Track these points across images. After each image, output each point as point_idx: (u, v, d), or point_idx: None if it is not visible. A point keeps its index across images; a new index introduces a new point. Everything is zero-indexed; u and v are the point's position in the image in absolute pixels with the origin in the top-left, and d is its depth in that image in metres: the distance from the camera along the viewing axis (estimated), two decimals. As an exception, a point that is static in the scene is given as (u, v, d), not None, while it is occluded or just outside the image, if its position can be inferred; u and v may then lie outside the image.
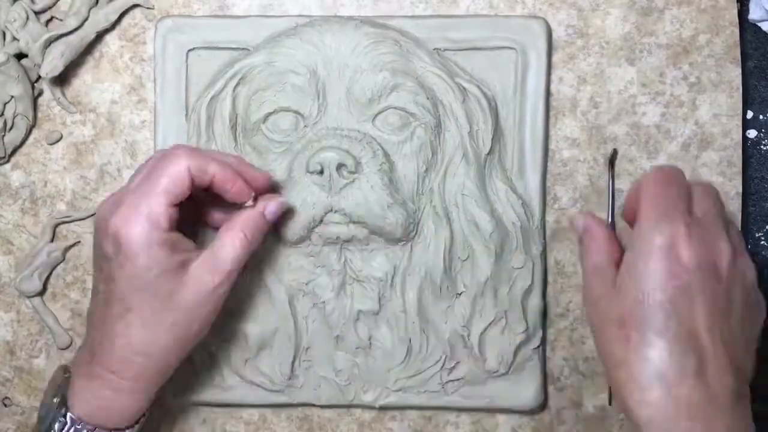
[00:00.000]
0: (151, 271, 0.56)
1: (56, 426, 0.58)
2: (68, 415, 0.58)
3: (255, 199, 0.59)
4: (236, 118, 0.65)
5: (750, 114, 0.69)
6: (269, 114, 0.63)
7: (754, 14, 0.67)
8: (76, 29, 0.66)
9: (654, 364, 0.51)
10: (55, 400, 0.59)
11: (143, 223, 0.55)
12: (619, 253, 0.55)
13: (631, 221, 0.55)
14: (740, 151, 0.67)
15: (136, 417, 0.60)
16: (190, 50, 0.66)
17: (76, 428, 0.58)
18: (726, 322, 0.52)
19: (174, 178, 0.56)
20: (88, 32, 0.66)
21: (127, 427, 0.60)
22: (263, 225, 0.59)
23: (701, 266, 0.51)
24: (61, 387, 0.59)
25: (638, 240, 0.53)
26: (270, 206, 0.59)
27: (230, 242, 0.58)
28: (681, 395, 0.50)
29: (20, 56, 0.67)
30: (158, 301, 0.56)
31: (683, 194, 0.54)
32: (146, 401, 0.60)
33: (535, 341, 0.66)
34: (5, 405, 0.70)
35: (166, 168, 0.56)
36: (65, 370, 0.61)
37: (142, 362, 0.57)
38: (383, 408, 0.68)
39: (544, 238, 0.66)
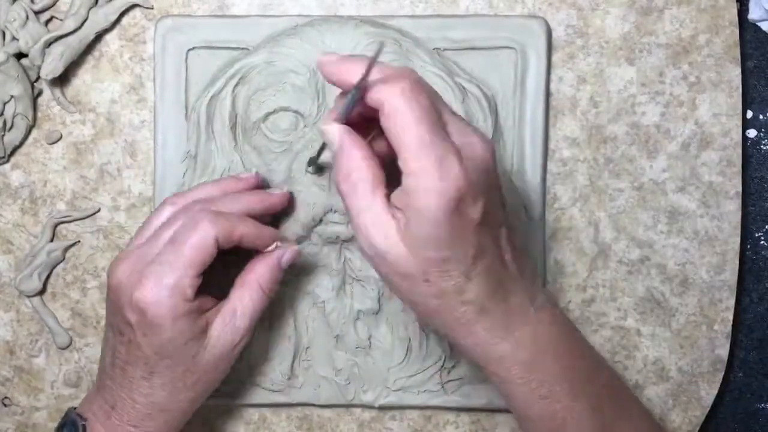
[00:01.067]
0: (176, 341, 0.56)
1: None
2: None
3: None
4: (236, 117, 0.65)
5: (750, 113, 0.69)
6: (269, 114, 0.63)
7: (753, 14, 0.67)
8: (75, 30, 0.66)
9: (478, 302, 0.51)
10: None
11: (170, 297, 0.55)
12: (381, 172, 0.50)
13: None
14: (740, 150, 0.67)
15: None
16: (189, 50, 0.66)
17: None
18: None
19: (201, 249, 0.55)
20: (87, 33, 0.66)
21: None
22: (278, 275, 0.59)
23: (485, 198, 0.49)
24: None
25: (416, 204, 0.48)
26: (286, 256, 0.59)
27: (249, 297, 0.58)
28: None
29: (20, 56, 0.67)
30: (182, 366, 0.57)
31: (436, 120, 0.48)
32: None
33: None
34: (5, 405, 0.70)
35: (191, 238, 0.55)
36: (80, 417, 0.59)
37: (164, 417, 0.58)
38: (383, 408, 0.68)
39: (544, 238, 0.66)
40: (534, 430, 0.55)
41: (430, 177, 0.47)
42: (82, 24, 0.66)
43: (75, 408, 0.60)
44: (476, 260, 0.50)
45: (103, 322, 0.69)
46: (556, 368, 0.53)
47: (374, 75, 0.49)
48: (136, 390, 0.57)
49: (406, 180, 0.48)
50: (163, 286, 0.55)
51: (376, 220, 0.49)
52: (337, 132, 0.50)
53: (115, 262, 0.58)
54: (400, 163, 0.48)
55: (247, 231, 0.57)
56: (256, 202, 0.59)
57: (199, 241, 0.55)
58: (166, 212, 0.59)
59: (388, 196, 0.50)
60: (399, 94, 0.48)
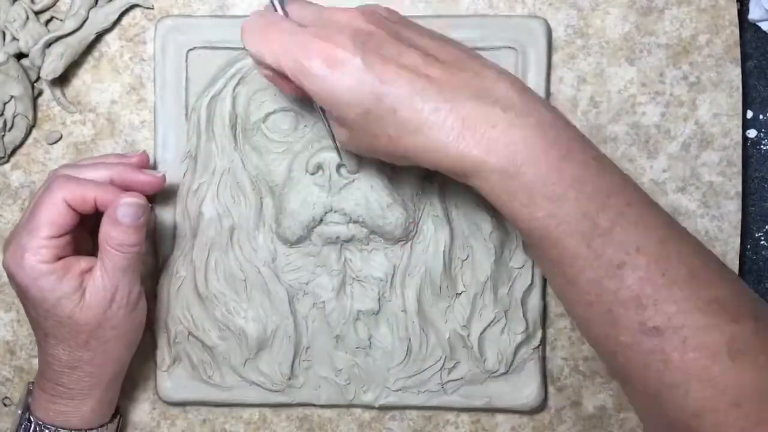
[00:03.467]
0: (46, 301, 0.59)
1: (22, 428, 0.63)
2: (32, 418, 0.62)
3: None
4: (236, 117, 0.65)
5: (750, 114, 0.69)
6: (269, 114, 0.63)
7: (753, 14, 0.67)
8: (75, 30, 0.66)
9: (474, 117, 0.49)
10: (20, 408, 0.64)
11: (27, 257, 0.58)
12: None
13: None
14: (740, 150, 0.67)
15: (98, 421, 0.64)
16: (190, 50, 0.66)
17: (40, 428, 0.62)
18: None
19: (50, 209, 0.58)
20: (87, 33, 0.66)
21: (90, 429, 0.63)
22: (122, 230, 0.59)
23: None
24: (25, 397, 0.65)
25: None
26: (119, 210, 0.59)
27: (105, 256, 0.59)
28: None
29: (20, 56, 0.67)
30: (65, 325, 0.59)
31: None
32: (103, 407, 0.64)
33: (535, 341, 0.66)
34: (5, 405, 0.70)
35: (43, 202, 0.59)
36: (31, 383, 0.65)
37: (79, 375, 0.61)
38: (383, 408, 0.68)
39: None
40: (537, 258, 0.52)
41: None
42: (82, 24, 0.66)
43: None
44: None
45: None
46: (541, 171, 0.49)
47: None
48: (44, 350, 0.61)
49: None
50: (19, 249, 0.58)
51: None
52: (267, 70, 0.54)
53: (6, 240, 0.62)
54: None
55: (102, 195, 0.59)
56: (118, 171, 0.61)
57: (48, 202, 0.58)
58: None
59: None
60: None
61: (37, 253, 0.58)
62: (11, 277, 0.60)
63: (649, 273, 0.48)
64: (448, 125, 0.49)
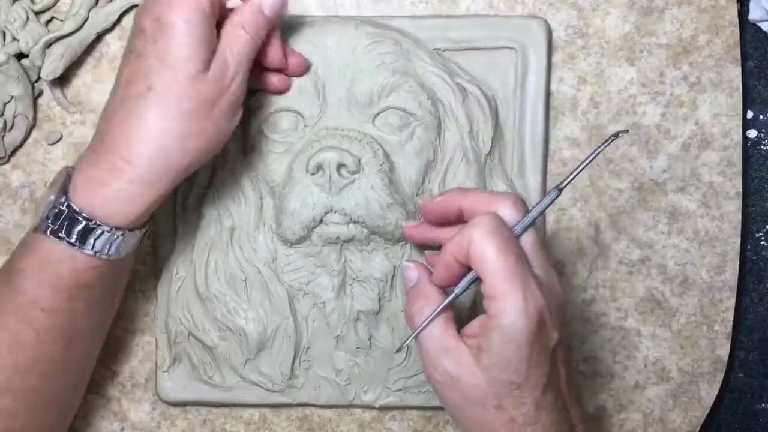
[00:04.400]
0: (181, 51, 0.54)
1: (51, 214, 0.55)
2: (67, 203, 0.55)
3: None
4: (236, 118, 0.65)
5: (750, 114, 0.69)
6: (269, 114, 0.63)
7: (753, 14, 0.67)
8: (75, 31, 0.66)
9: None
10: (52, 192, 0.56)
11: (191, 3, 0.54)
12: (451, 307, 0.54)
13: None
14: (740, 150, 0.67)
15: (140, 217, 0.56)
16: (190, 50, 0.66)
17: (73, 217, 0.55)
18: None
19: None
20: (87, 33, 0.66)
21: (128, 229, 0.56)
22: (261, 19, 0.57)
23: (560, 331, 0.52)
24: (62, 181, 0.56)
25: (501, 324, 0.50)
26: (269, 1, 0.57)
27: (233, 36, 0.56)
28: None
29: (20, 56, 0.67)
30: (179, 85, 0.54)
31: (520, 252, 0.52)
32: (152, 199, 0.55)
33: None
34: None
35: None
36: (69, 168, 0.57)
37: (154, 149, 0.54)
38: (383, 408, 0.68)
39: (545, 238, 0.66)
40: None
41: (516, 299, 0.50)
42: (83, 25, 0.66)
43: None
44: (546, 390, 0.51)
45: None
46: None
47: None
48: (129, 111, 0.54)
49: (490, 303, 0.51)
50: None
51: (449, 347, 0.52)
52: (416, 270, 0.55)
53: None
54: (485, 289, 0.51)
55: None
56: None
57: None
58: None
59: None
60: (485, 228, 0.51)
61: (201, 3, 0.54)
62: (158, 17, 0.54)
63: None
64: None
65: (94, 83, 0.68)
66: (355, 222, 0.62)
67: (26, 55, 0.66)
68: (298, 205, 0.62)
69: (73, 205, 0.55)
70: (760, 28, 0.68)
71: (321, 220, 0.62)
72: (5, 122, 0.67)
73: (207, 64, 0.55)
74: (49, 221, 0.55)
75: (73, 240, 0.55)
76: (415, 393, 0.67)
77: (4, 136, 0.67)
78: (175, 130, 0.54)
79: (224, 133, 0.57)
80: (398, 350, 0.63)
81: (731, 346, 0.68)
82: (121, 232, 0.56)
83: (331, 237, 0.63)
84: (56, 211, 0.55)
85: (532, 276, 0.51)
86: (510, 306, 0.50)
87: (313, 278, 0.65)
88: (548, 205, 0.54)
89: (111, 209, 0.55)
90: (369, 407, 0.68)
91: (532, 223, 0.53)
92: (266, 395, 0.67)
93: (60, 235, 0.55)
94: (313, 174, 0.61)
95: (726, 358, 0.68)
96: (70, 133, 0.69)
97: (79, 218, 0.55)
